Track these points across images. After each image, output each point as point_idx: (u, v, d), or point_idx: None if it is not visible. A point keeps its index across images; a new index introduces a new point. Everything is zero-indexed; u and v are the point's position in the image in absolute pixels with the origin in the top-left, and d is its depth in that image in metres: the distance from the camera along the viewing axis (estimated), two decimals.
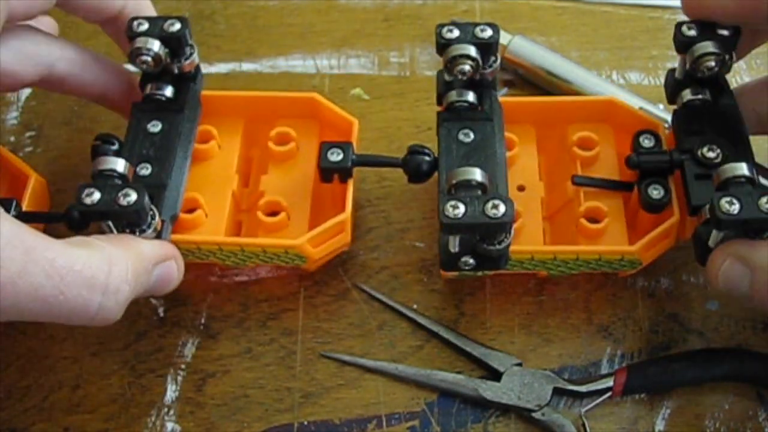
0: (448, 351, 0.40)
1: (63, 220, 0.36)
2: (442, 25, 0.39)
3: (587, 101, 0.44)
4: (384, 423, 0.38)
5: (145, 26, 0.39)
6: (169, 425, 0.38)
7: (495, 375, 0.39)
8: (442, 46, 0.38)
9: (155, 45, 0.38)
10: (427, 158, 0.39)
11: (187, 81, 0.41)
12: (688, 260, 0.42)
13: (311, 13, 0.53)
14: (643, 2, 0.53)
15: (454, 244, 0.35)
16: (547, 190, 0.42)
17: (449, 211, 0.33)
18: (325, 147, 0.40)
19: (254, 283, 0.42)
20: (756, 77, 0.43)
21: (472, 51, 0.38)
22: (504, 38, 0.48)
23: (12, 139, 0.47)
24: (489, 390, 0.39)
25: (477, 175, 0.35)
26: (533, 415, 0.38)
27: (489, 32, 0.38)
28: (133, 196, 0.34)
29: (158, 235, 0.36)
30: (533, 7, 0.53)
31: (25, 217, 0.36)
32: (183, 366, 0.40)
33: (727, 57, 0.38)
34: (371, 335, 0.41)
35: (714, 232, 0.34)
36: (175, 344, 0.40)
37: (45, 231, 0.35)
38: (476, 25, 0.38)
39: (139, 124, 0.39)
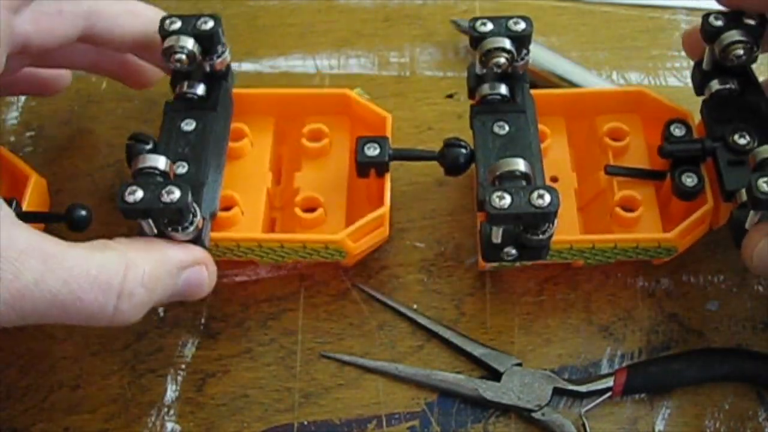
0: (448, 351, 0.40)
1: (63, 220, 0.36)
2: (475, 19, 0.39)
3: (616, 92, 0.44)
4: (384, 423, 0.38)
5: (178, 24, 0.38)
6: (169, 425, 0.38)
7: (495, 375, 0.39)
8: (477, 39, 0.38)
9: (189, 43, 0.38)
10: (464, 151, 0.39)
11: (218, 79, 0.41)
12: (688, 260, 0.42)
13: (311, 13, 0.53)
14: (643, 2, 0.53)
15: (497, 235, 0.36)
16: (580, 181, 0.42)
17: (496, 201, 0.34)
18: (361, 142, 0.40)
19: (254, 283, 0.42)
20: None
21: (507, 44, 0.38)
22: None
23: (12, 139, 0.47)
24: (489, 390, 0.39)
25: (521, 165, 0.35)
26: (533, 415, 0.38)
27: (522, 25, 0.39)
28: (177, 194, 0.33)
29: (199, 233, 0.35)
30: (533, 7, 0.53)
31: (25, 217, 0.36)
32: (183, 366, 0.40)
33: (754, 46, 0.38)
34: (371, 335, 0.41)
35: (751, 213, 0.35)
36: (175, 344, 0.40)
37: (45, 231, 0.35)
38: (509, 18, 0.39)
39: (173, 123, 0.39)
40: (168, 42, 0.38)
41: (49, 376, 0.40)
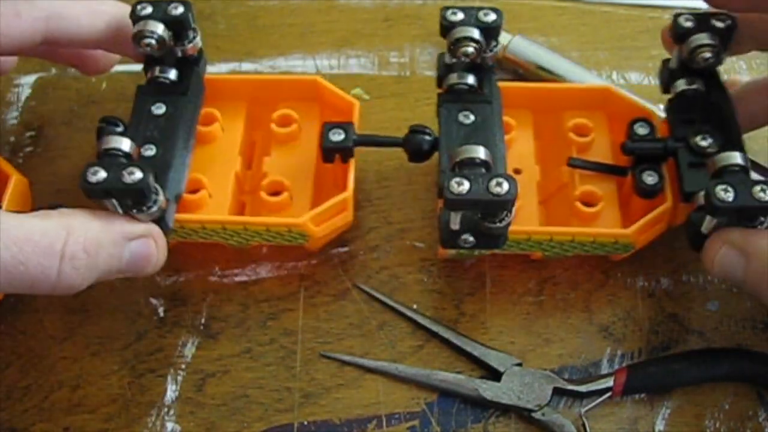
0: (448, 351, 0.40)
1: None
2: (446, 8, 0.39)
3: (583, 89, 0.44)
4: (384, 423, 0.38)
5: (149, 9, 0.39)
6: (169, 425, 0.38)
7: (495, 375, 0.39)
8: (447, 28, 0.39)
9: (159, 28, 0.39)
10: (427, 137, 0.40)
11: (190, 64, 0.41)
12: (688, 260, 0.42)
13: (311, 13, 0.53)
14: (643, 2, 0.53)
15: (455, 221, 0.36)
16: (543, 175, 0.43)
17: (454, 187, 0.34)
18: (326, 127, 0.40)
19: (254, 283, 0.42)
20: (755, 77, 0.43)
21: (476, 34, 0.38)
22: (504, 38, 0.48)
23: (12, 139, 0.47)
24: (489, 390, 0.38)
25: (481, 153, 0.36)
26: (533, 415, 0.38)
27: (492, 16, 0.39)
28: (138, 174, 0.34)
29: (163, 214, 0.36)
30: (533, 7, 0.53)
31: None
32: (183, 366, 0.40)
33: (721, 49, 0.39)
34: (371, 335, 0.41)
35: (707, 218, 0.35)
36: (175, 344, 0.40)
37: None
38: (480, 9, 0.39)
39: (143, 107, 0.39)
40: (138, 27, 0.39)
41: (49, 376, 0.40)
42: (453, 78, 0.40)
